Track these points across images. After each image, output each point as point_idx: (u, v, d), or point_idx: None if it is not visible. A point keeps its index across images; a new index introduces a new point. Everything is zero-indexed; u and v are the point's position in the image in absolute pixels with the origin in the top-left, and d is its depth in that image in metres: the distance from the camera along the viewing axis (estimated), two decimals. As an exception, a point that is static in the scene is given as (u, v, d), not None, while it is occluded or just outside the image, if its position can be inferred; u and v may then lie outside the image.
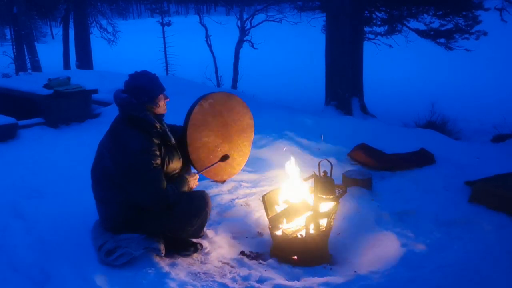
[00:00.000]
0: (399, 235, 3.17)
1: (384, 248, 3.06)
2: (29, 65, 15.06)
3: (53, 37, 34.32)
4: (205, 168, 3.09)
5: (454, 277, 2.66)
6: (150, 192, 2.66)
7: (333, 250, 3.14)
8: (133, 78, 2.76)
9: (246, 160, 3.43)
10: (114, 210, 2.76)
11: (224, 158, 3.15)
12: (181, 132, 3.00)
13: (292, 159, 3.30)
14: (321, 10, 11.29)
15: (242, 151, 3.35)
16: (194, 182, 2.96)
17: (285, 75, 17.20)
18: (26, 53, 15.32)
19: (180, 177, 2.87)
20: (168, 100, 2.88)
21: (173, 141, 2.88)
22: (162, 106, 2.84)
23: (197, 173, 3.07)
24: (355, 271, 2.83)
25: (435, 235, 3.20)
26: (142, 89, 2.72)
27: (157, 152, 2.71)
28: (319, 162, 3.05)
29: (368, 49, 10.07)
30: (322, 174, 2.96)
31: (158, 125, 2.75)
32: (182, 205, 2.77)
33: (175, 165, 2.86)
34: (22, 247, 2.88)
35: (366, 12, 9.61)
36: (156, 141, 2.73)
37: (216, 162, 3.11)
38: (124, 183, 2.69)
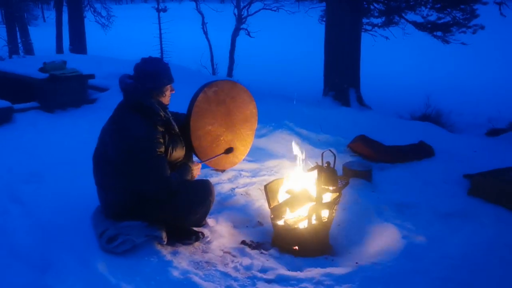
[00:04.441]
0: (400, 226, 3.18)
1: (384, 240, 3.07)
2: (21, 48, 14.82)
3: (44, 20, 33.68)
4: (210, 159, 3.08)
5: (454, 268, 2.68)
6: (153, 179, 2.63)
7: (333, 241, 3.14)
8: (145, 62, 2.72)
9: (248, 149, 3.41)
10: (116, 197, 2.73)
11: (229, 150, 3.13)
12: (184, 120, 2.97)
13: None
14: (319, 0, 11.18)
15: (244, 141, 3.33)
16: (197, 171, 2.95)
17: (281, 64, 17.07)
18: (18, 36, 15.06)
19: (184, 166, 2.85)
20: (173, 92, 2.84)
21: (177, 129, 2.85)
22: (167, 97, 2.81)
23: (201, 162, 3.05)
24: (356, 262, 2.84)
25: (435, 227, 3.22)
26: (151, 75, 2.68)
27: (161, 140, 2.67)
28: (322, 153, 3.03)
29: (365, 40, 10.01)
30: (325, 165, 2.95)
31: (162, 113, 2.72)
32: (186, 193, 2.75)
33: (179, 153, 2.83)
34: (22, 232, 2.85)
35: (364, 2, 9.53)
36: (160, 128, 2.70)
37: (221, 154, 3.10)
38: (127, 170, 2.65)
